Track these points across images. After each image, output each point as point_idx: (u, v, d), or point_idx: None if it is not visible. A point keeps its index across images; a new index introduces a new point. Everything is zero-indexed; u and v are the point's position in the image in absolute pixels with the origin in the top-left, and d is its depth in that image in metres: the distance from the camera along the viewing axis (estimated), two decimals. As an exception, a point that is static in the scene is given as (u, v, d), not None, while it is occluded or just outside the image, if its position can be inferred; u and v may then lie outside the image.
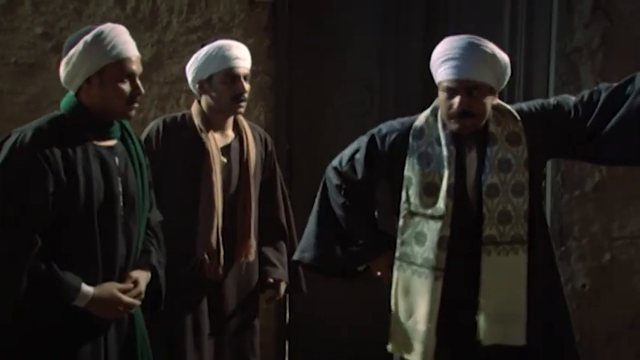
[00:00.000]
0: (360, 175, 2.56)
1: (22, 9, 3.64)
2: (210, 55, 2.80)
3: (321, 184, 2.67)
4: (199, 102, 2.88)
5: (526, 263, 2.39)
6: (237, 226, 2.84)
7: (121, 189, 2.21)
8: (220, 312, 2.85)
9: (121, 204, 2.21)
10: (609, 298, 3.85)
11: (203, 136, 2.79)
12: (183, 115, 2.88)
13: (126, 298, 2.19)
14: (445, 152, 2.40)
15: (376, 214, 2.68)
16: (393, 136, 2.52)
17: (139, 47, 3.61)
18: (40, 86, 3.67)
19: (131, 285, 2.23)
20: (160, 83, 3.67)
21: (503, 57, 2.38)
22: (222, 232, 2.79)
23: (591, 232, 3.84)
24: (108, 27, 2.18)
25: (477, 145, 2.42)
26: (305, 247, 2.67)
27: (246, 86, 2.81)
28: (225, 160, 2.83)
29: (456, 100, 2.33)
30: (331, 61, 3.85)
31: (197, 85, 2.85)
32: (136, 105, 2.25)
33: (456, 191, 2.40)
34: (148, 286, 2.30)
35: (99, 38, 2.14)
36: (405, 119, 2.56)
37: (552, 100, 2.49)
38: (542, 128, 2.42)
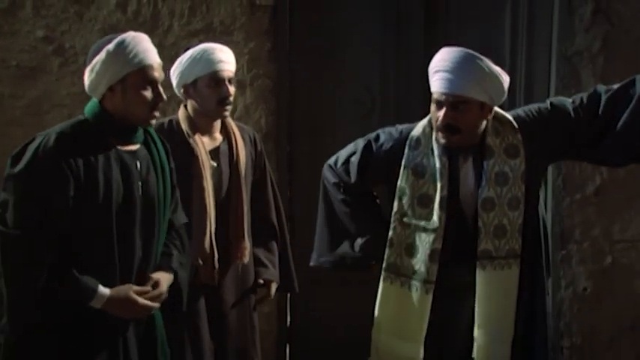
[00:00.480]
0: (352, 179, 2.56)
1: (23, 12, 3.64)
2: (195, 58, 2.78)
3: (321, 186, 2.67)
4: (185, 106, 2.87)
5: (517, 277, 2.38)
6: (230, 229, 2.83)
7: (140, 193, 2.24)
8: (219, 315, 2.85)
9: (140, 208, 2.24)
10: (610, 302, 3.85)
11: (191, 141, 2.77)
12: (170, 121, 2.86)
13: (142, 300, 2.21)
14: (438, 164, 2.38)
15: (378, 202, 2.67)
16: (389, 145, 2.50)
17: (140, 50, 3.68)
18: (41, 89, 3.68)
19: (148, 288, 2.24)
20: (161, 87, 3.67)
21: (499, 74, 2.34)
22: (215, 235, 2.78)
23: (592, 236, 3.83)
24: (130, 35, 2.21)
25: (474, 157, 2.39)
26: (321, 251, 2.68)
27: (231, 89, 2.79)
28: (214, 163, 2.81)
29: (442, 112, 2.31)
30: (332, 64, 3.86)
31: (182, 90, 2.84)
32: (157, 112, 2.27)
33: (450, 204, 2.38)
34: (169, 287, 2.32)
35: (121, 47, 2.17)
36: (404, 127, 2.54)
37: (547, 104, 2.46)
38: (540, 133, 2.40)
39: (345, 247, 2.61)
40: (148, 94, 2.21)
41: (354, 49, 3.85)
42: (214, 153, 2.83)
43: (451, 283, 2.39)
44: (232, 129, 2.89)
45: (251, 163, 2.93)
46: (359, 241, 2.57)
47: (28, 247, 2.09)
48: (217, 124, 2.86)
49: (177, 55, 3.64)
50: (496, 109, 2.42)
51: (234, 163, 2.84)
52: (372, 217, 2.59)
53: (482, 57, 2.33)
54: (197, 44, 2.88)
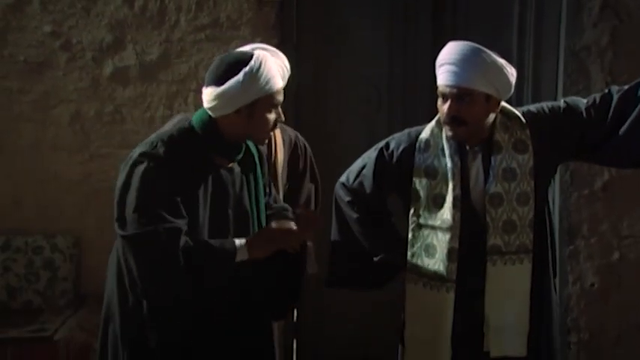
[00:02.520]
0: (368, 190, 2.54)
1: (31, 8, 3.65)
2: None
3: (334, 205, 2.65)
4: None
5: (530, 273, 2.37)
6: None
7: (234, 210, 2.26)
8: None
9: (233, 223, 2.25)
10: (618, 297, 3.83)
11: None
12: None
13: (286, 225, 2.26)
14: (449, 164, 2.38)
15: (393, 220, 2.65)
16: (400, 150, 2.49)
17: (147, 46, 3.69)
18: (49, 85, 3.69)
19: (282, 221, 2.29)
20: (168, 82, 3.68)
21: (504, 66, 2.32)
22: None
23: (600, 231, 3.82)
24: (264, 58, 2.19)
25: (483, 154, 2.39)
26: (338, 273, 2.65)
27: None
28: None
29: (447, 105, 2.32)
30: (339, 60, 3.85)
31: None
32: (272, 132, 2.33)
33: (463, 202, 2.38)
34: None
35: (258, 72, 2.15)
36: (412, 130, 2.53)
37: (562, 103, 2.44)
38: (550, 131, 2.39)
39: (362, 270, 2.60)
40: (272, 117, 2.23)
41: (361, 45, 3.84)
42: None
43: (471, 281, 2.38)
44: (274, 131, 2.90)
45: (286, 163, 2.95)
46: (375, 262, 2.57)
47: (160, 236, 2.08)
48: None
49: (184, 50, 3.67)
50: (504, 104, 2.41)
51: (272, 162, 2.85)
52: (389, 235, 2.57)
53: (487, 50, 2.32)
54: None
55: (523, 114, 2.42)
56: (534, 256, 2.37)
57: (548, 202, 2.48)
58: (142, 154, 2.14)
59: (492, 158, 2.35)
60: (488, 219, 2.36)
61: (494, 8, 3.83)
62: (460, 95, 2.29)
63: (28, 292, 3.60)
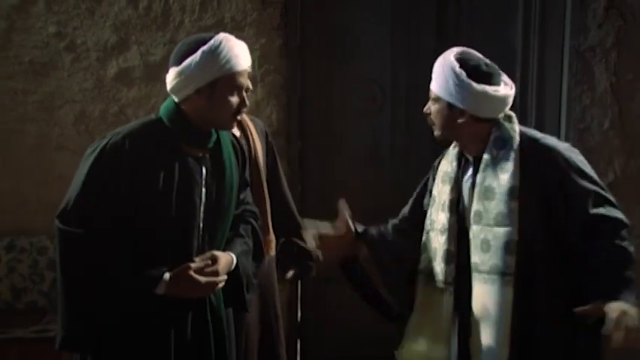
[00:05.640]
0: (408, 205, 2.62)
1: (36, 9, 3.66)
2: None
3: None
4: None
5: (507, 297, 2.23)
6: None
7: (204, 199, 2.23)
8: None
9: (203, 214, 2.22)
10: (623, 299, 3.82)
11: None
12: None
13: (202, 278, 2.17)
14: (449, 168, 2.42)
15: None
16: (437, 161, 2.55)
17: (151, 47, 3.70)
18: (54, 85, 3.70)
19: (207, 262, 2.20)
20: (172, 82, 3.68)
21: (474, 85, 2.25)
22: None
23: (605, 232, 3.81)
24: (225, 38, 2.17)
25: (474, 167, 2.37)
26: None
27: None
28: None
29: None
30: (343, 60, 3.85)
31: None
32: (239, 117, 2.27)
33: (459, 209, 2.38)
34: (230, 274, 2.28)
35: (217, 50, 2.14)
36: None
37: (583, 190, 2.25)
38: (542, 179, 2.25)
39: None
40: (234, 99, 2.19)
41: (365, 45, 3.85)
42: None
43: (464, 287, 2.37)
44: (247, 122, 2.89)
45: (264, 156, 2.93)
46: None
47: (90, 246, 2.10)
48: None
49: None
50: (510, 124, 2.33)
51: (252, 157, 2.84)
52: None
53: (457, 62, 2.28)
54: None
55: (530, 140, 2.31)
56: (517, 281, 2.23)
57: (552, 227, 2.28)
58: (94, 146, 2.16)
59: (477, 175, 2.33)
60: (470, 235, 2.32)
61: (498, 9, 3.83)
62: (432, 98, 2.36)
63: (33, 293, 3.61)
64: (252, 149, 2.84)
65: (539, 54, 3.82)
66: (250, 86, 2.26)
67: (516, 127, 2.34)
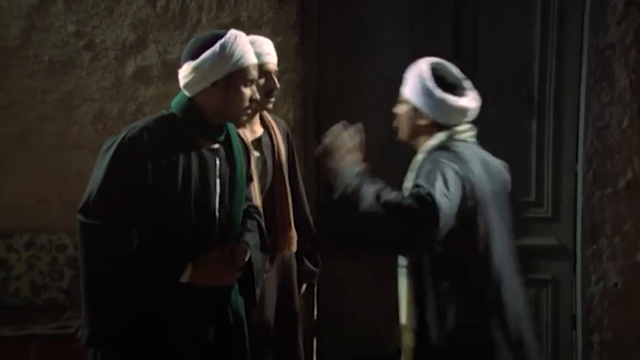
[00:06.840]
0: None
1: (55, 8, 3.69)
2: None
3: None
4: None
5: (405, 286, 2.39)
6: (277, 220, 2.86)
7: (219, 190, 2.30)
8: (263, 306, 2.86)
9: (218, 205, 2.30)
10: (642, 298, 3.81)
11: None
12: None
13: (224, 266, 2.26)
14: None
15: None
16: None
17: (169, 45, 3.71)
18: (73, 84, 3.73)
19: (226, 251, 2.28)
20: (189, 81, 3.70)
21: (435, 87, 2.36)
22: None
23: (623, 231, 3.79)
24: (236, 34, 2.28)
25: None
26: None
27: (276, 82, 2.83)
28: (257, 153, 2.84)
29: None
30: (359, 59, 3.85)
31: None
32: (250, 110, 2.37)
33: None
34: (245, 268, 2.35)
35: (232, 45, 2.24)
36: None
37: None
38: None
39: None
40: (247, 91, 2.29)
41: (382, 43, 3.84)
42: (256, 144, 2.85)
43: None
44: (270, 121, 2.91)
45: (286, 154, 2.96)
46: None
47: (113, 238, 2.15)
48: (256, 116, 2.88)
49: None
50: (440, 138, 2.38)
51: (276, 154, 2.87)
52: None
53: (438, 72, 2.39)
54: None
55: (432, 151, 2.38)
56: (412, 272, 2.36)
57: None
58: (111, 141, 2.21)
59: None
60: None
61: (516, 7, 3.81)
62: (401, 100, 2.51)
63: (52, 290, 3.65)
64: (276, 148, 2.87)
65: (557, 52, 3.79)
66: (256, 77, 2.36)
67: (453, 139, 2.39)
